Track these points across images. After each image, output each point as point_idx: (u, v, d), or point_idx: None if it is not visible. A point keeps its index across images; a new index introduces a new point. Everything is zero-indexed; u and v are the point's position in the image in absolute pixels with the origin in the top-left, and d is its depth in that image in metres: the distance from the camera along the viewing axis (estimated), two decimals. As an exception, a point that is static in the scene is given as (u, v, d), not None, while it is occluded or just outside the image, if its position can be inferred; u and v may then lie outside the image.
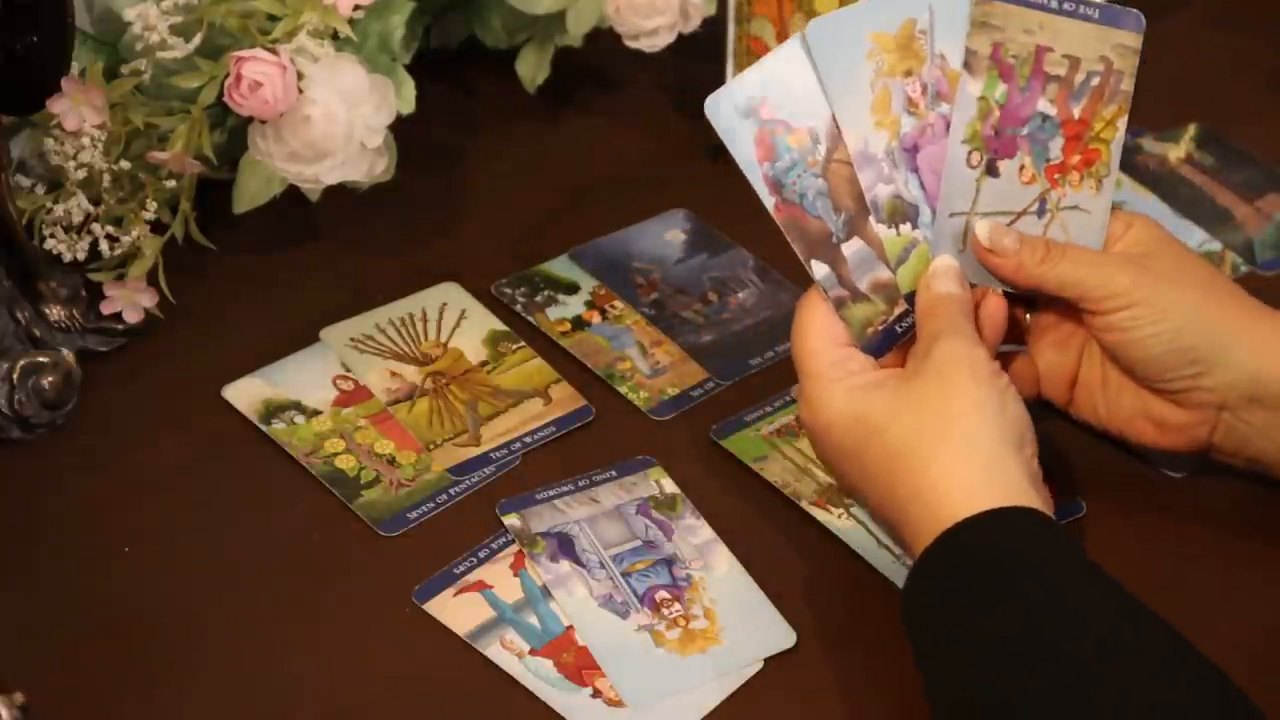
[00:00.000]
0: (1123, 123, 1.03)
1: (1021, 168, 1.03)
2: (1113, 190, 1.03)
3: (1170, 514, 1.05)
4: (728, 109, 1.01)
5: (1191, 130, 1.29)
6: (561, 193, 1.26)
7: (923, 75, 1.02)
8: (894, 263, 1.02)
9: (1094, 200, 1.03)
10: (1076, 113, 1.03)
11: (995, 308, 1.02)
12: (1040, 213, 1.03)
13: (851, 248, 1.02)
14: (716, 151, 1.27)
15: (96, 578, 1.01)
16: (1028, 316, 1.05)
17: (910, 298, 1.02)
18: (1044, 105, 1.02)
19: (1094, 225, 1.03)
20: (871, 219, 1.02)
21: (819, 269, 1.01)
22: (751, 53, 1.23)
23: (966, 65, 1.02)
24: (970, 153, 1.02)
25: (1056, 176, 1.03)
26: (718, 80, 1.24)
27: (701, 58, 1.27)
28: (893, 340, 1.02)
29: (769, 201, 1.01)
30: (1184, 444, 1.03)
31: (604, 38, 1.26)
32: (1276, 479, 1.03)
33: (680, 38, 1.23)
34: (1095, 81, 1.02)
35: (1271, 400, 0.99)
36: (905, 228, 1.02)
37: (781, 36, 1.22)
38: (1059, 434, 1.08)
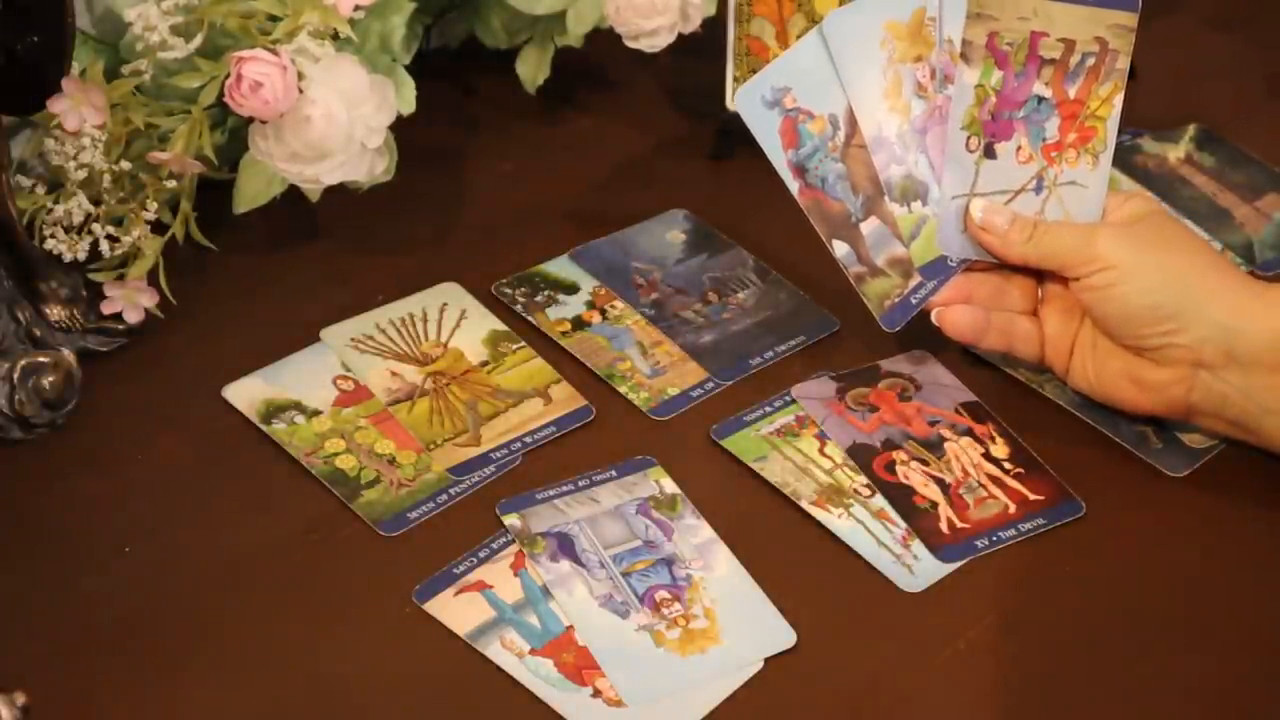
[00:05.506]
0: (1119, 99, 1.06)
1: (1018, 148, 1.06)
2: (1109, 164, 1.06)
3: (1170, 514, 1.05)
4: (755, 100, 1.04)
5: (1191, 130, 1.29)
6: (561, 193, 1.26)
7: (931, 60, 1.06)
8: (907, 239, 1.07)
9: (1091, 175, 1.06)
10: (1072, 93, 1.06)
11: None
12: (1038, 190, 1.07)
13: (869, 226, 1.06)
14: (717, 151, 1.28)
15: (96, 578, 1.01)
16: (1040, 290, 1.08)
17: (923, 270, 1.07)
18: (1039, 88, 1.06)
19: (1091, 199, 1.06)
20: (886, 198, 1.06)
21: (839, 248, 1.06)
22: (751, 53, 1.23)
23: (963, 56, 1.06)
24: (969, 138, 1.06)
25: (1053, 154, 1.06)
26: (718, 80, 1.25)
27: (701, 58, 1.27)
28: (909, 311, 1.07)
29: (793, 186, 1.05)
30: (1163, 405, 1.05)
31: (604, 38, 1.26)
32: (1257, 445, 1.05)
33: (680, 38, 1.23)
34: (1090, 62, 1.05)
35: (1247, 358, 1.01)
36: (916, 205, 1.07)
37: (781, 36, 1.22)
38: (1059, 434, 1.08)
